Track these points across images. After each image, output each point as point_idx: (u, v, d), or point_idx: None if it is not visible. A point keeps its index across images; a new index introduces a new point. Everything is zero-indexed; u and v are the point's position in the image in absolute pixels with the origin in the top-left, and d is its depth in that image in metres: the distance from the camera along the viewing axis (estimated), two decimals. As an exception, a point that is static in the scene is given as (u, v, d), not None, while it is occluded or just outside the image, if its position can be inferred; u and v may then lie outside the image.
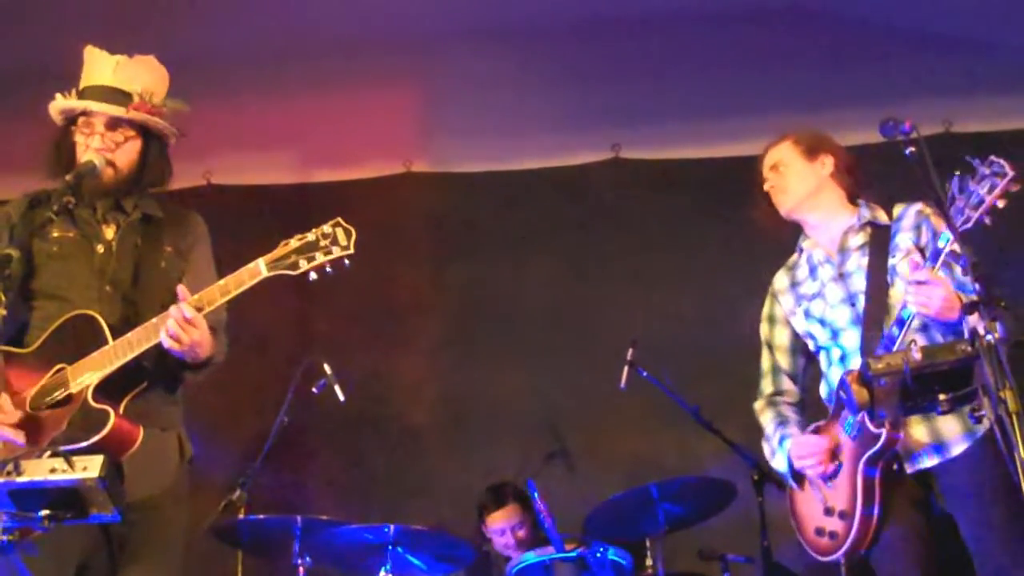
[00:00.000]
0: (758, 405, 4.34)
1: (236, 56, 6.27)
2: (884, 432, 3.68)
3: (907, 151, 3.37)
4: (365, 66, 6.47)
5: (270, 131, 6.76)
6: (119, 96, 3.65)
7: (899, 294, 3.74)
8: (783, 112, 6.53)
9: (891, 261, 3.91)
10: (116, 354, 3.37)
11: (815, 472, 3.93)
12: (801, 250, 4.28)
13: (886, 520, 3.77)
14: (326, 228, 3.38)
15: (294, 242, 3.38)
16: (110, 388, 3.38)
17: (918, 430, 3.79)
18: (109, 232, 3.67)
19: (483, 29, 6.34)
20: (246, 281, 3.36)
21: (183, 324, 3.33)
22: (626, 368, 5.50)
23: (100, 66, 3.70)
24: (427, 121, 6.82)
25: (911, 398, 3.33)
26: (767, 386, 4.34)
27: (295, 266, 3.35)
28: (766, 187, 4.25)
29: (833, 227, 4.14)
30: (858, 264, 4.00)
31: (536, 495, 4.98)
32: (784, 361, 4.27)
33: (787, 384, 4.28)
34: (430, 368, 6.52)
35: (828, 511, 3.92)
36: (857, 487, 3.78)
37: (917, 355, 3.27)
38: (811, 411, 4.22)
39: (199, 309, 3.35)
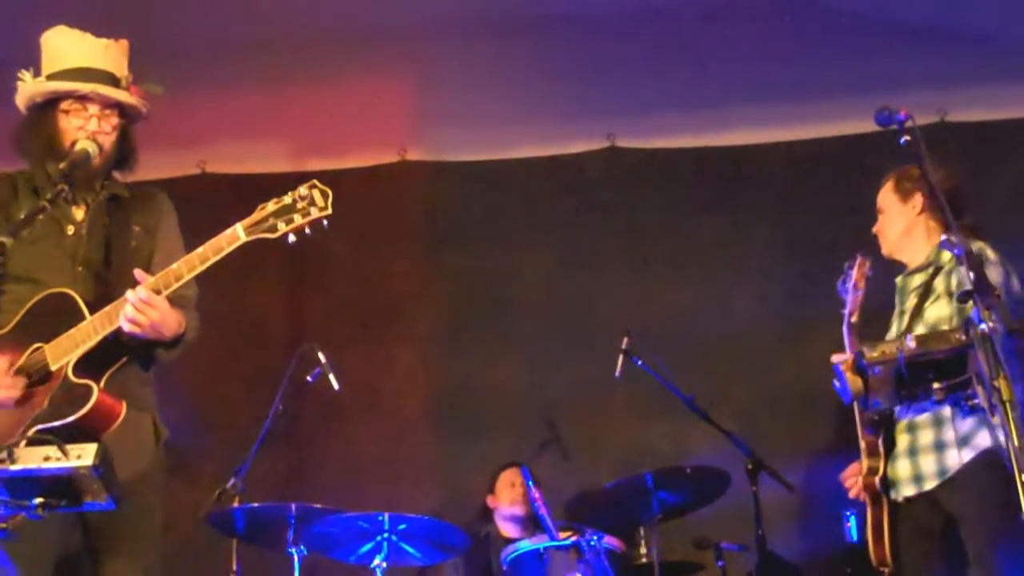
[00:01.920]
0: None
1: (230, 45, 6.25)
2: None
3: (902, 140, 3.38)
4: (359, 54, 6.45)
5: (264, 120, 6.74)
6: (113, 80, 3.64)
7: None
8: (779, 102, 6.54)
9: (926, 304, 3.99)
10: (95, 329, 3.34)
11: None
12: None
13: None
14: (302, 190, 3.35)
15: (271, 205, 3.36)
16: (89, 364, 3.35)
17: (903, 462, 3.97)
18: (79, 213, 3.65)
19: (478, 18, 6.32)
20: (224, 247, 3.34)
21: (141, 307, 3.30)
22: (621, 357, 5.50)
23: (86, 47, 3.67)
24: (422, 110, 6.80)
25: (905, 386, 3.35)
26: None
27: (273, 228, 3.33)
28: (874, 229, 4.36)
29: (916, 265, 4.25)
30: (910, 305, 4.11)
31: (531, 482, 4.99)
32: None
33: None
34: (424, 356, 6.52)
35: None
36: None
37: (911, 343, 3.29)
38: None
39: (158, 291, 3.33)
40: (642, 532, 5.37)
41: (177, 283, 3.35)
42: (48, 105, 3.63)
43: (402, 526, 4.86)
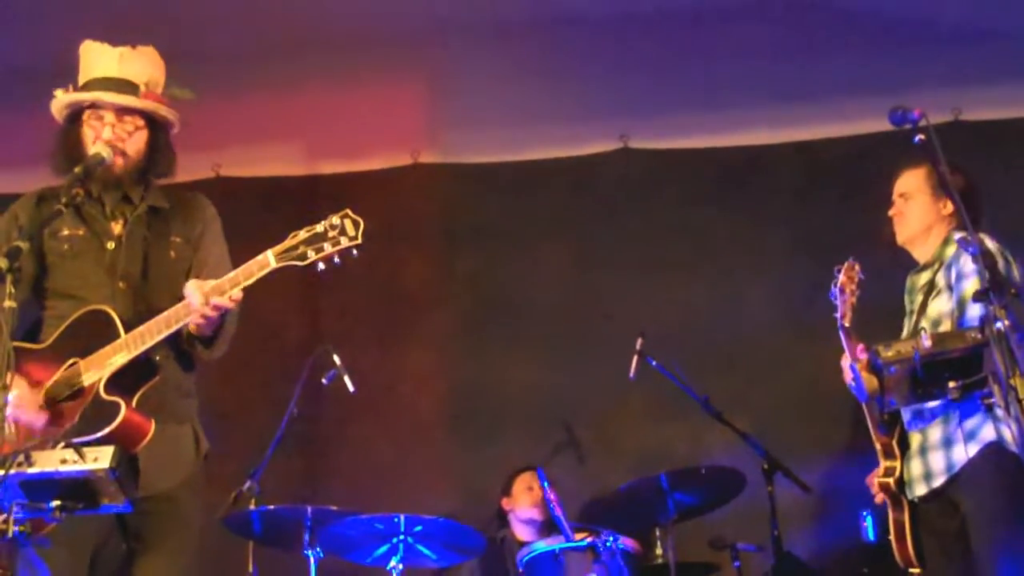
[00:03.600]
0: None
1: (244, 50, 6.27)
2: None
3: (916, 139, 3.37)
4: (373, 58, 6.46)
5: (278, 123, 6.76)
6: (127, 87, 3.67)
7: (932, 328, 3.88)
8: (792, 102, 6.53)
9: (929, 300, 3.98)
10: (128, 347, 3.39)
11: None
12: None
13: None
14: (334, 219, 3.38)
15: (303, 233, 3.38)
16: (123, 381, 3.39)
17: (915, 461, 3.97)
18: (117, 227, 3.68)
19: (490, 21, 6.33)
20: (255, 272, 3.37)
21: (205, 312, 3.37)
22: (635, 358, 5.51)
23: (104, 59, 3.71)
24: (435, 112, 6.81)
25: (921, 386, 3.34)
26: None
27: (303, 257, 3.35)
28: (891, 211, 4.31)
29: (924, 263, 4.25)
30: (920, 303, 4.11)
31: (546, 484, 5.00)
32: None
33: None
34: (439, 358, 6.52)
35: None
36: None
37: (927, 342, 3.27)
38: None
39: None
40: (658, 533, 5.37)
41: (221, 296, 3.38)
42: (72, 120, 3.69)
43: (418, 528, 4.86)
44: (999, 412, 3.68)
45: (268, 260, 3.37)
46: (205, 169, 6.64)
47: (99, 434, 3.26)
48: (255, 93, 6.52)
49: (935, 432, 3.91)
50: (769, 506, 5.24)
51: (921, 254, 4.23)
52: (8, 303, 2.99)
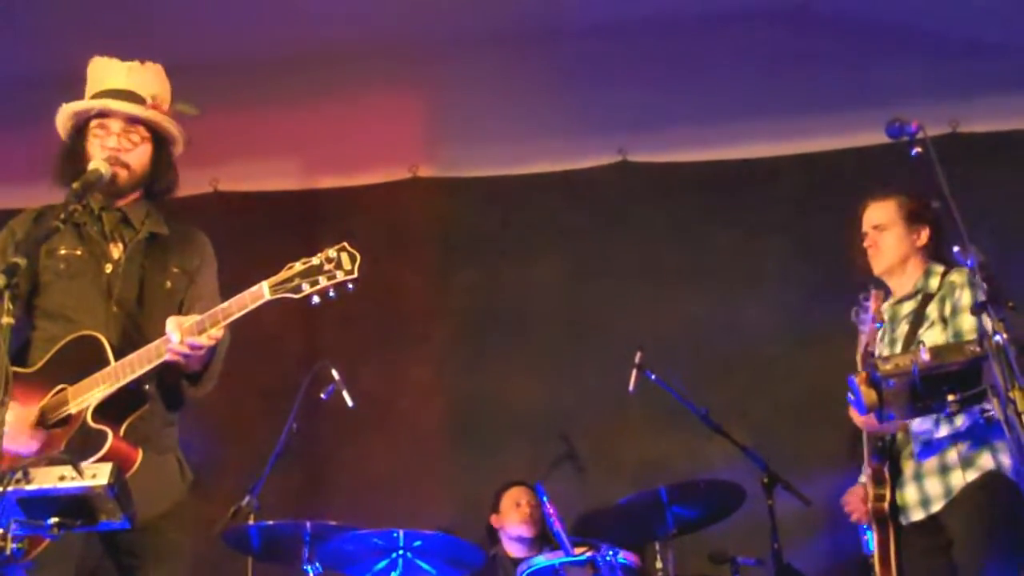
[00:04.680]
0: None
1: (242, 63, 6.27)
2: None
3: (913, 152, 3.37)
4: (370, 72, 6.47)
5: (276, 138, 6.76)
6: (134, 98, 3.66)
7: None
8: (790, 114, 6.54)
9: (919, 332, 4.00)
10: (117, 375, 3.35)
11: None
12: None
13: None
14: (331, 252, 3.34)
15: (298, 265, 3.35)
16: (110, 410, 3.37)
17: (910, 486, 4.03)
18: (116, 251, 3.65)
19: (488, 34, 6.33)
20: (248, 304, 3.34)
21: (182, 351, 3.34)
22: (634, 372, 5.50)
23: (112, 71, 3.71)
24: (433, 126, 6.82)
25: (920, 399, 3.33)
26: None
27: (298, 289, 3.32)
28: (866, 243, 4.37)
29: (900, 292, 4.30)
30: (902, 332, 4.15)
31: (545, 499, 4.99)
32: None
33: None
34: (439, 372, 6.52)
35: None
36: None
37: (926, 356, 3.26)
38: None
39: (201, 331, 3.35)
40: (657, 547, 5.35)
41: (200, 335, 3.34)
42: (78, 133, 3.68)
43: (417, 543, 4.86)
44: (996, 443, 3.79)
45: (263, 292, 3.34)
46: (203, 184, 6.65)
47: (85, 463, 3.24)
48: (254, 108, 6.52)
49: (931, 460, 3.94)
50: (769, 519, 5.23)
51: (898, 284, 4.30)
52: (6, 319, 2.97)
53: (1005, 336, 3.03)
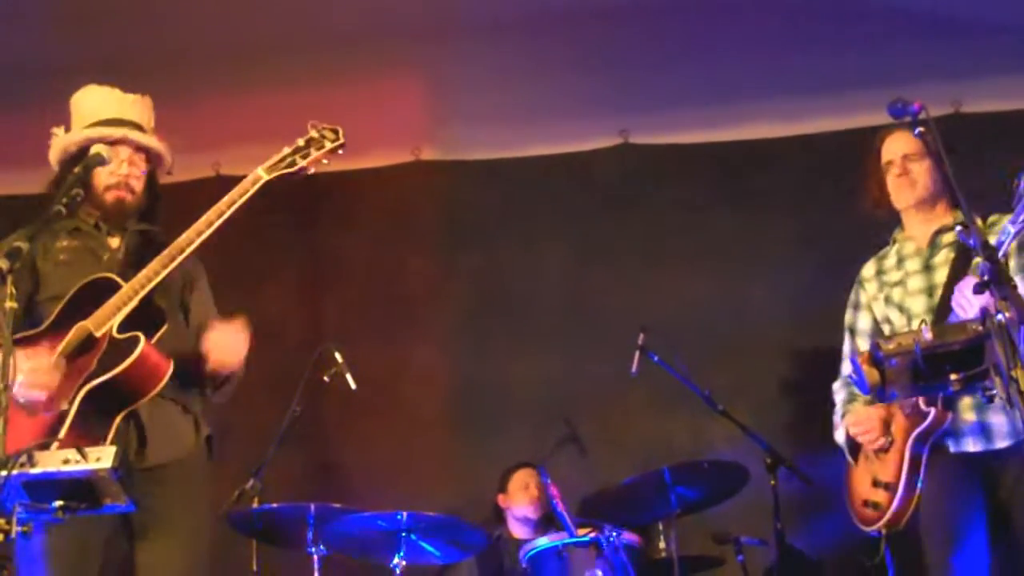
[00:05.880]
0: (836, 385, 4.41)
1: (243, 47, 6.24)
2: (932, 411, 3.81)
3: (916, 132, 3.36)
4: (373, 55, 6.45)
5: (278, 121, 6.67)
6: (140, 129, 3.82)
7: None
8: (791, 95, 6.52)
9: (975, 260, 3.93)
10: (135, 290, 3.44)
11: (868, 442, 4.04)
12: (893, 242, 4.32)
13: (934, 497, 3.88)
14: (312, 133, 3.71)
15: (287, 149, 3.65)
16: (135, 328, 3.43)
17: (968, 414, 3.87)
18: (114, 242, 3.76)
19: (490, 17, 6.31)
20: (249, 188, 3.59)
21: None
22: (637, 353, 5.51)
23: (116, 101, 3.84)
24: (436, 109, 6.80)
25: (922, 378, 3.33)
26: (845, 368, 4.38)
27: (292, 164, 3.63)
28: (895, 173, 4.19)
29: (932, 225, 4.17)
30: (945, 258, 4.05)
31: (548, 481, 5.00)
32: (863, 346, 4.25)
33: None
34: (441, 355, 6.53)
35: (876, 483, 4.04)
36: (904, 461, 3.89)
37: (928, 335, 3.26)
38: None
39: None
40: (661, 527, 5.37)
41: (209, 229, 3.53)
42: (82, 156, 3.68)
43: (421, 525, 4.87)
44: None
45: (260, 175, 3.61)
46: (206, 168, 6.63)
47: (119, 368, 3.31)
48: (255, 91, 6.50)
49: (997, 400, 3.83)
50: (772, 500, 5.24)
51: (926, 216, 4.16)
52: (9, 304, 2.99)
53: (1008, 315, 3.03)
